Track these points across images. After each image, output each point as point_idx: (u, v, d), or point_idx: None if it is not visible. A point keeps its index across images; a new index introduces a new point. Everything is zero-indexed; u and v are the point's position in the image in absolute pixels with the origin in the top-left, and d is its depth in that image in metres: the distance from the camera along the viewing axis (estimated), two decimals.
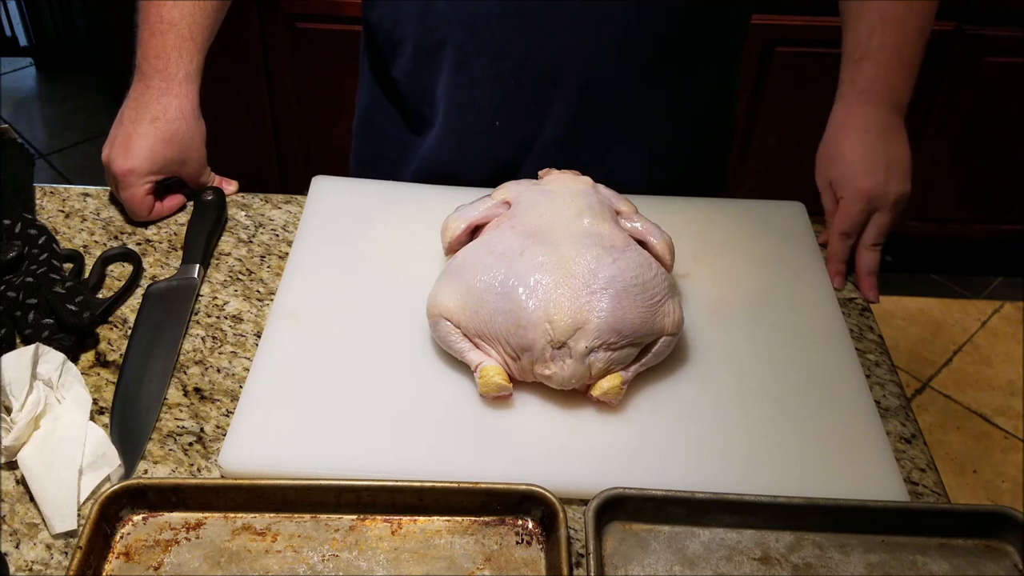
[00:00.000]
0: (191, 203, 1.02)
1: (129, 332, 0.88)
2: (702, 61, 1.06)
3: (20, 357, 0.78)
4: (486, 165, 1.07)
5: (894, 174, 0.95)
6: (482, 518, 0.72)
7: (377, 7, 1.07)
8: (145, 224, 1.01)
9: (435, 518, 0.72)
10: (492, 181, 0.97)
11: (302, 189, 1.05)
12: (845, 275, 0.98)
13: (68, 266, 0.93)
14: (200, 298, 0.93)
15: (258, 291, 0.94)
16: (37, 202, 1.03)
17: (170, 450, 0.78)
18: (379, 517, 0.72)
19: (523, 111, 1.04)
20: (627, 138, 1.07)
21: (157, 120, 0.97)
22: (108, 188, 1.06)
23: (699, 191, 1.06)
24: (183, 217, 1.02)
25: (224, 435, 0.78)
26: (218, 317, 0.91)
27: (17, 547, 0.71)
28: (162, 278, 0.94)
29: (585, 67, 1.00)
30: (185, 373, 0.85)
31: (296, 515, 0.72)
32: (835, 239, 0.97)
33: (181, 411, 0.81)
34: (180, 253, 0.97)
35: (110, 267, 0.96)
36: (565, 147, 1.05)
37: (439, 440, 0.77)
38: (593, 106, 1.03)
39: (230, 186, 1.06)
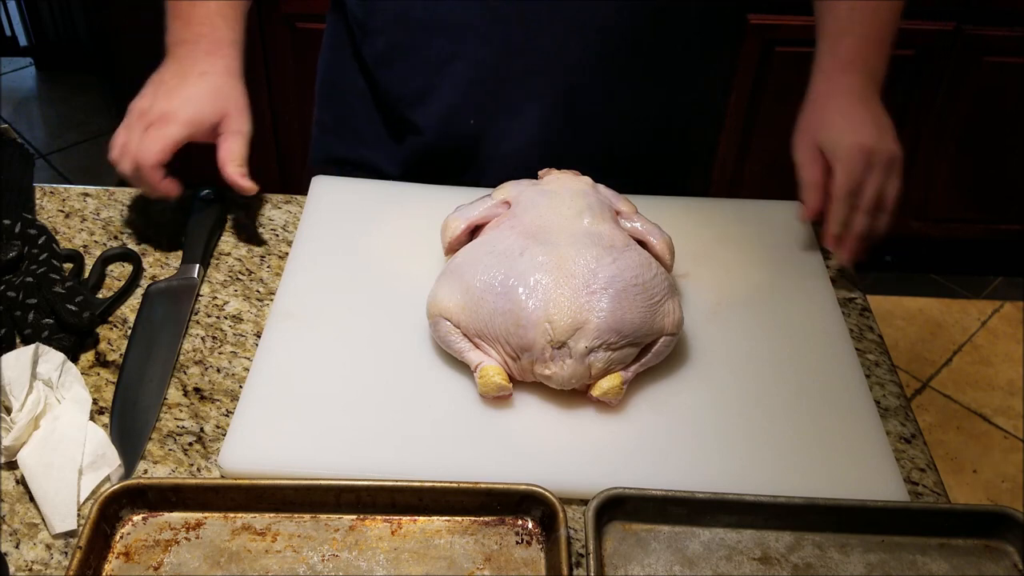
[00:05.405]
0: (191, 203, 1.02)
1: (129, 332, 0.88)
2: (679, 61, 1.06)
3: (20, 357, 0.78)
4: (463, 166, 1.08)
5: (885, 132, 0.94)
6: (482, 518, 0.72)
7: None
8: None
9: (435, 518, 0.72)
10: (469, 181, 0.99)
11: (302, 189, 1.05)
12: (853, 250, 0.93)
13: (68, 266, 0.93)
14: (200, 298, 0.93)
15: (258, 291, 0.94)
16: (37, 202, 1.03)
17: (170, 450, 0.78)
18: (379, 517, 0.72)
19: (499, 112, 1.04)
20: (603, 139, 1.07)
21: (205, 74, 0.95)
22: (108, 188, 1.06)
23: (680, 191, 1.06)
24: (183, 217, 1.02)
25: (224, 435, 0.78)
26: (218, 317, 0.91)
27: (17, 547, 0.71)
28: (162, 278, 0.94)
29: (560, 69, 1.01)
30: (185, 373, 0.85)
31: (296, 515, 0.72)
32: (838, 203, 0.92)
33: (181, 411, 0.81)
34: (180, 253, 0.97)
35: (110, 267, 0.96)
36: (542, 147, 1.05)
37: (439, 440, 0.77)
38: (569, 107, 1.04)
39: (244, 183, 0.97)
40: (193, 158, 0.99)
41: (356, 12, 1.07)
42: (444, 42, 1.01)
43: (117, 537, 0.70)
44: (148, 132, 0.92)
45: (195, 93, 0.94)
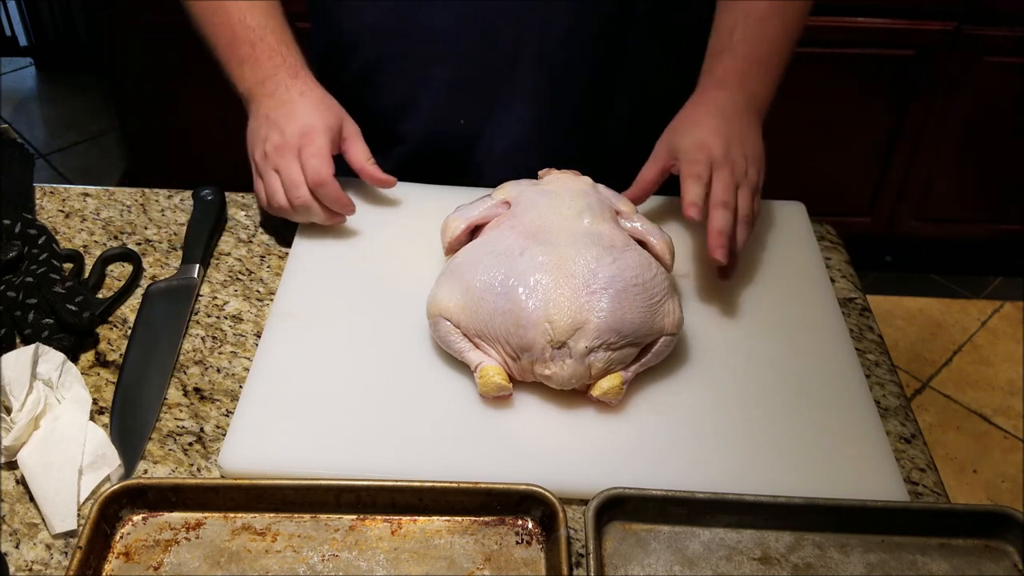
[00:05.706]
0: (191, 203, 1.02)
1: (129, 332, 0.88)
2: (659, 52, 1.06)
3: (20, 357, 0.78)
4: (457, 169, 1.08)
5: (737, 146, 0.90)
6: (482, 518, 0.72)
7: (324, 14, 1.08)
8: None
9: (435, 518, 0.72)
10: (468, 181, 0.98)
11: None
12: (723, 247, 0.87)
13: (68, 266, 0.93)
14: (200, 298, 0.93)
15: (258, 291, 0.94)
16: (37, 202, 1.03)
17: (170, 450, 0.78)
18: (379, 517, 0.72)
19: (488, 109, 1.05)
20: (598, 134, 1.08)
21: (304, 93, 0.96)
22: (108, 188, 1.06)
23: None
24: (183, 217, 1.02)
25: (224, 435, 0.78)
26: (218, 317, 0.91)
27: (17, 547, 0.71)
28: (162, 278, 0.94)
29: (547, 60, 1.01)
30: (185, 373, 0.85)
31: (296, 515, 0.72)
32: (687, 184, 0.88)
33: (181, 411, 0.81)
34: (180, 253, 0.97)
35: (110, 267, 0.96)
36: (536, 145, 1.05)
37: (439, 440, 0.77)
38: (561, 100, 1.04)
39: (385, 177, 0.98)
40: (192, 158, 0.99)
41: (333, 33, 1.07)
42: (425, 47, 1.01)
43: (117, 537, 0.70)
44: (302, 155, 0.92)
45: (309, 108, 0.95)
